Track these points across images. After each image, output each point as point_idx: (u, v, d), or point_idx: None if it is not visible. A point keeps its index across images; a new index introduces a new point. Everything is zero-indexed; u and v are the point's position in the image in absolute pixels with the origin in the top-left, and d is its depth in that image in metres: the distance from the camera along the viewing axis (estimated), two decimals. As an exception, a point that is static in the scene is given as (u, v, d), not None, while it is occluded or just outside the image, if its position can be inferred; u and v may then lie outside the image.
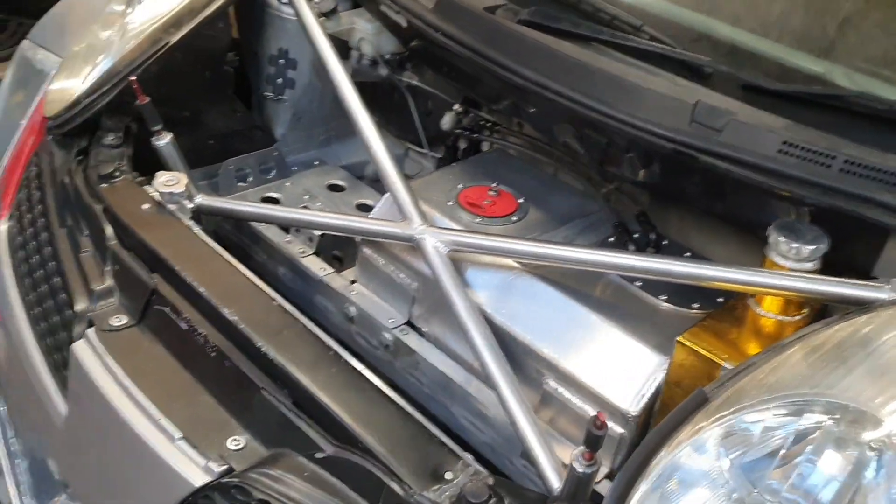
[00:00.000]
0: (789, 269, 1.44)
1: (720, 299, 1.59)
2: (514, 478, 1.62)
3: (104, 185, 1.69)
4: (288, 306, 1.49)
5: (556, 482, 1.38)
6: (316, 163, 2.31)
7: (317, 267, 1.91)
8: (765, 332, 1.48)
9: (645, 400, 1.47)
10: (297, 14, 2.08)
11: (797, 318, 1.49)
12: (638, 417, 1.47)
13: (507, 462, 1.64)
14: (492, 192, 1.86)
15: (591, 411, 1.51)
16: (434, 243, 1.67)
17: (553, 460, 1.41)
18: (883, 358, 1.12)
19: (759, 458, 1.10)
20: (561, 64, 1.67)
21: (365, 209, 2.16)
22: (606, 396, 1.49)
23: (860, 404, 1.07)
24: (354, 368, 1.38)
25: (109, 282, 1.55)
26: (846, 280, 1.37)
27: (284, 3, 2.15)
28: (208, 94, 2.10)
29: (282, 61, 2.19)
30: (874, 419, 1.06)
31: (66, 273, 1.58)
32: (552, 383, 1.56)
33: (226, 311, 1.43)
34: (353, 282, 1.89)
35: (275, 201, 2.13)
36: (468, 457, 1.28)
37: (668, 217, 1.89)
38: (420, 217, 1.72)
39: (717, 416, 1.11)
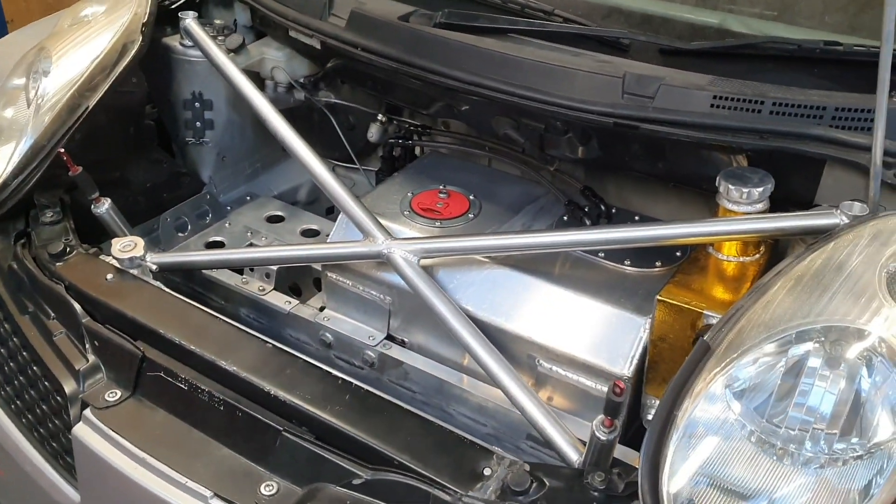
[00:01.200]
0: (743, 213, 1.54)
1: (678, 253, 1.69)
2: (525, 459, 1.68)
3: (59, 263, 1.65)
4: (280, 345, 1.50)
5: (573, 454, 1.44)
6: (248, 198, 2.30)
7: (281, 301, 1.91)
8: (730, 274, 1.59)
9: (635, 361, 1.55)
10: (207, 54, 2.07)
11: (756, 256, 1.60)
12: (631, 378, 1.55)
13: (514, 448, 1.69)
14: (442, 195, 1.90)
15: (588, 382, 1.59)
16: (403, 255, 1.70)
17: (566, 435, 1.47)
18: (858, 279, 1.23)
19: (765, 394, 1.20)
20: (490, 60, 1.73)
21: (311, 234, 2.17)
22: (599, 364, 1.56)
23: (846, 323, 1.17)
24: (366, 391, 1.41)
25: (92, 359, 1.52)
26: (799, 213, 1.48)
27: (190, 47, 2.12)
28: (134, 150, 2.06)
29: (197, 104, 2.17)
30: (859, 333, 1.17)
31: (42, 360, 1.54)
32: (545, 364, 1.62)
33: (223, 363, 1.43)
34: (321, 308, 1.90)
35: (220, 244, 2.12)
36: (498, 450, 1.33)
37: (606, 187, 1.98)
38: (382, 232, 1.74)
39: (722, 364, 1.19)
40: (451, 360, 1.76)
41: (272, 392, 1.38)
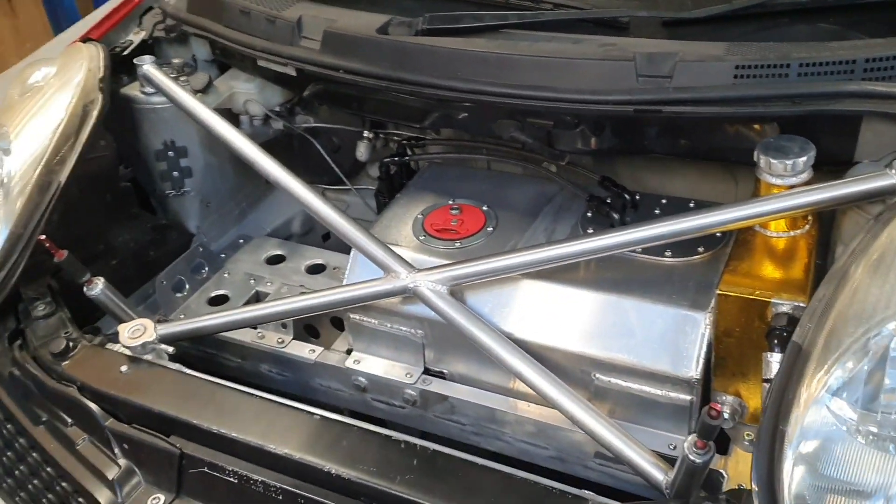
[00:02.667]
0: (788, 186, 1.44)
1: (718, 234, 1.59)
2: (594, 479, 1.59)
3: (65, 362, 1.51)
4: (328, 414, 1.38)
5: (658, 474, 1.35)
6: (241, 241, 2.16)
7: (305, 351, 1.79)
8: (783, 251, 1.49)
9: (702, 361, 1.45)
10: (173, 100, 1.91)
11: (806, 227, 1.51)
12: (700, 380, 1.46)
13: (581, 468, 1.60)
14: (454, 211, 1.79)
15: (653, 391, 1.49)
16: (431, 287, 1.59)
17: (646, 453, 1.38)
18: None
19: (858, 386, 1.11)
20: (486, 63, 1.61)
21: (317, 269, 2.04)
22: (664, 370, 1.47)
23: None
24: (433, 451, 1.30)
25: (124, 463, 1.39)
26: (852, 179, 1.38)
27: (152, 94, 1.97)
28: (114, 216, 1.91)
29: (171, 153, 2.02)
30: None
31: (70, 473, 1.40)
32: (603, 377, 1.52)
33: (273, 447, 1.31)
34: (348, 351, 1.79)
35: (223, 298, 1.98)
36: (591, 494, 1.23)
37: (617, 171, 1.87)
38: (404, 265, 1.62)
39: (823, 367, 1.10)
40: (498, 385, 1.65)
41: (333, 471, 1.26)
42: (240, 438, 1.33)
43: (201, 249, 2.07)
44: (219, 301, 1.98)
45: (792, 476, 1.07)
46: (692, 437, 1.21)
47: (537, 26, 1.68)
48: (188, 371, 1.51)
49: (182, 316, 1.93)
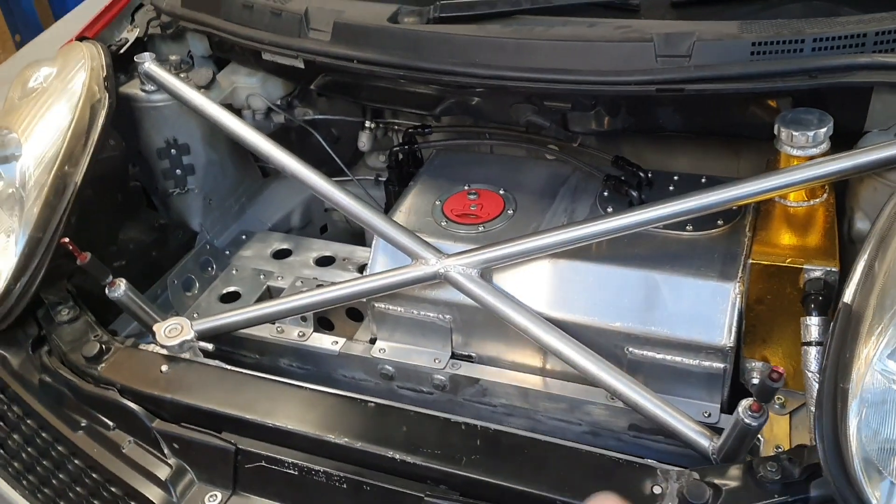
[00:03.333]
0: (809, 157, 1.50)
1: (734, 208, 1.64)
2: (628, 451, 1.63)
3: (101, 365, 1.49)
4: (380, 400, 1.39)
5: (702, 440, 1.39)
6: (244, 237, 2.14)
7: (328, 343, 1.79)
8: (803, 221, 1.55)
9: (734, 329, 1.50)
10: (179, 97, 1.89)
11: (825, 196, 1.57)
12: (733, 347, 1.51)
13: (615, 441, 1.64)
14: (472, 196, 1.80)
15: (686, 360, 1.53)
16: (461, 271, 1.61)
17: (690, 422, 1.42)
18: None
19: None
20: (504, 49, 1.62)
21: (326, 262, 2.04)
22: (699, 339, 1.51)
23: None
24: (495, 431, 1.32)
25: (175, 462, 1.37)
26: (872, 146, 1.44)
27: (153, 91, 1.94)
28: (125, 216, 1.88)
29: (173, 151, 1.99)
30: None
31: (119, 477, 1.38)
32: (636, 351, 1.56)
33: (332, 438, 1.32)
34: (371, 341, 1.79)
35: (235, 295, 1.97)
36: (655, 463, 1.27)
37: (623, 151, 1.91)
38: (432, 252, 1.64)
39: (880, 327, 1.14)
40: (527, 364, 1.68)
41: (398, 457, 1.27)
42: (297, 430, 1.33)
43: (208, 247, 2.05)
44: (230, 298, 1.97)
45: (857, 434, 1.12)
46: (747, 401, 1.26)
47: (550, 11, 1.70)
48: (229, 367, 1.50)
49: (195, 315, 1.91)
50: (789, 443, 1.47)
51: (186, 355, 1.53)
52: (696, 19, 1.63)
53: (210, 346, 1.55)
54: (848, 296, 1.20)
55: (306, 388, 1.43)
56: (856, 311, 1.18)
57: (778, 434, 1.50)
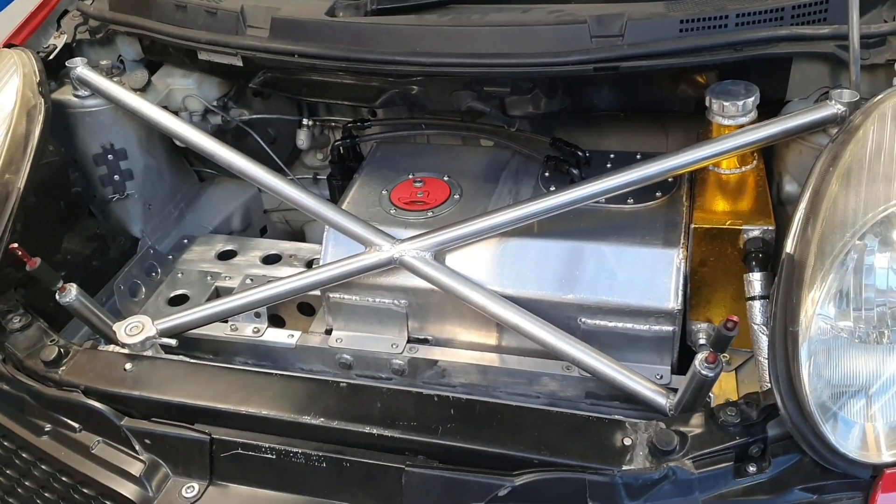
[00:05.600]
0: (739, 126, 1.59)
1: (670, 180, 1.73)
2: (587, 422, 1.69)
3: (62, 368, 1.46)
4: (351, 379, 1.41)
5: (659, 398, 1.46)
6: (185, 241, 2.12)
7: (283, 337, 1.80)
8: (737, 186, 1.65)
9: (681, 292, 1.58)
10: (116, 101, 1.87)
11: (755, 162, 1.67)
12: (681, 310, 1.58)
13: (572, 409, 1.69)
14: (417, 184, 1.84)
15: (637, 326, 1.60)
16: (416, 255, 1.64)
17: (648, 383, 1.49)
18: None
19: (844, 289, 1.25)
20: (444, 37, 1.67)
21: (273, 259, 2.04)
22: (648, 304, 1.58)
23: None
24: (467, 400, 1.36)
25: (148, 457, 1.36)
26: (798, 111, 1.54)
27: (86, 97, 1.91)
28: (67, 223, 1.85)
29: (110, 156, 1.96)
30: None
31: (92, 478, 1.36)
32: (590, 321, 1.62)
33: (308, 419, 1.33)
34: (327, 332, 1.81)
35: (184, 298, 1.95)
36: (624, 418, 1.32)
37: (555, 134, 1.98)
38: (385, 238, 1.67)
39: (822, 270, 1.22)
40: (484, 343, 1.73)
41: (375, 432, 1.30)
42: (272, 416, 1.34)
43: (152, 252, 2.03)
44: (179, 301, 1.95)
45: (809, 374, 1.20)
46: (703, 354, 1.33)
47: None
48: (194, 360, 1.49)
49: (145, 319, 1.89)
50: (738, 397, 1.55)
51: (149, 352, 1.52)
52: (624, 1, 1.71)
53: (173, 342, 1.54)
54: (790, 246, 1.28)
55: (277, 374, 1.44)
56: (798, 259, 1.26)
57: (726, 389, 1.59)
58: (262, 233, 2.37)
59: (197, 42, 1.83)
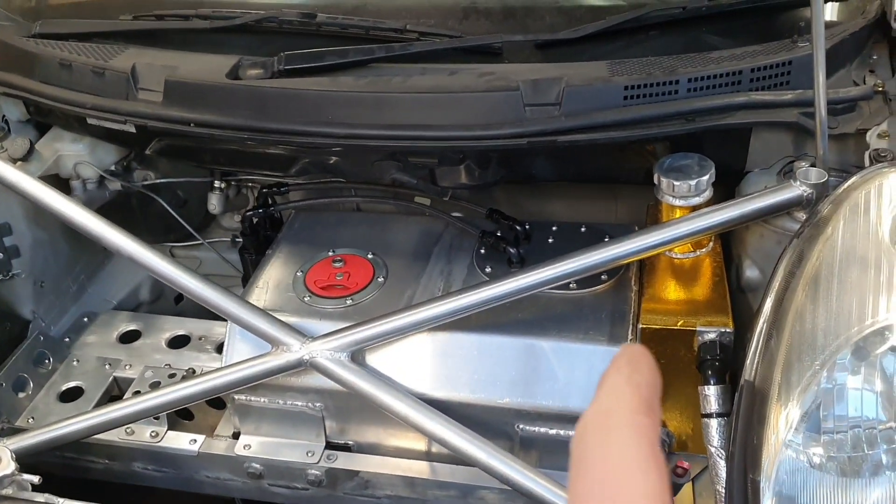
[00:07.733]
0: (692, 207, 1.40)
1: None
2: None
3: None
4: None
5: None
6: (86, 319, 1.90)
7: (185, 442, 1.59)
8: (691, 272, 1.46)
9: (629, 396, 1.38)
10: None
11: (711, 245, 1.48)
12: (630, 415, 1.39)
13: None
14: (337, 263, 1.63)
15: (581, 434, 1.41)
16: (330, 356, 1.44)
17: None
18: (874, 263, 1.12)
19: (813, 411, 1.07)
20: (360, 104, 1.47)
21: (180, 343, 1.82)
22: (593, 412, 1.38)
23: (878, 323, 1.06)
24: None
25: None
26: (758, 193, 1.36)
27: (-42, 168, 1.68)
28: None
29: (-9, 233, 1.74)
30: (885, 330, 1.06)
31: None
32: (528, 427, 1.43)
33: None
34: (234, 435, 1.60)
35: (78, 392, 1.73)
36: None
37: (496, 199, 1.79)
38: (294, 335, 1.46)
39: (788, 405, 1.04)
40: (412, 450, 1.52)
41: None
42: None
43: (42, 338, 1.80)
44: (72, 395, 1.72)
45: None
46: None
47: (407, 58, 1.55)
48: (59, 500, 1.27)
49: (31, 419, 1.67)
50: (694, 510, 1.36)
51: (9, 491, 1.29)
52: (562, 60, 1.53)
53: (36, 479, 1.31)
54: (749, 371, 1.09)
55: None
56: (759, 388, 1.07)
57: (684, 499, 1.40)
58: (178, 302, 2.14)
59: (83, 107, 1.61)
